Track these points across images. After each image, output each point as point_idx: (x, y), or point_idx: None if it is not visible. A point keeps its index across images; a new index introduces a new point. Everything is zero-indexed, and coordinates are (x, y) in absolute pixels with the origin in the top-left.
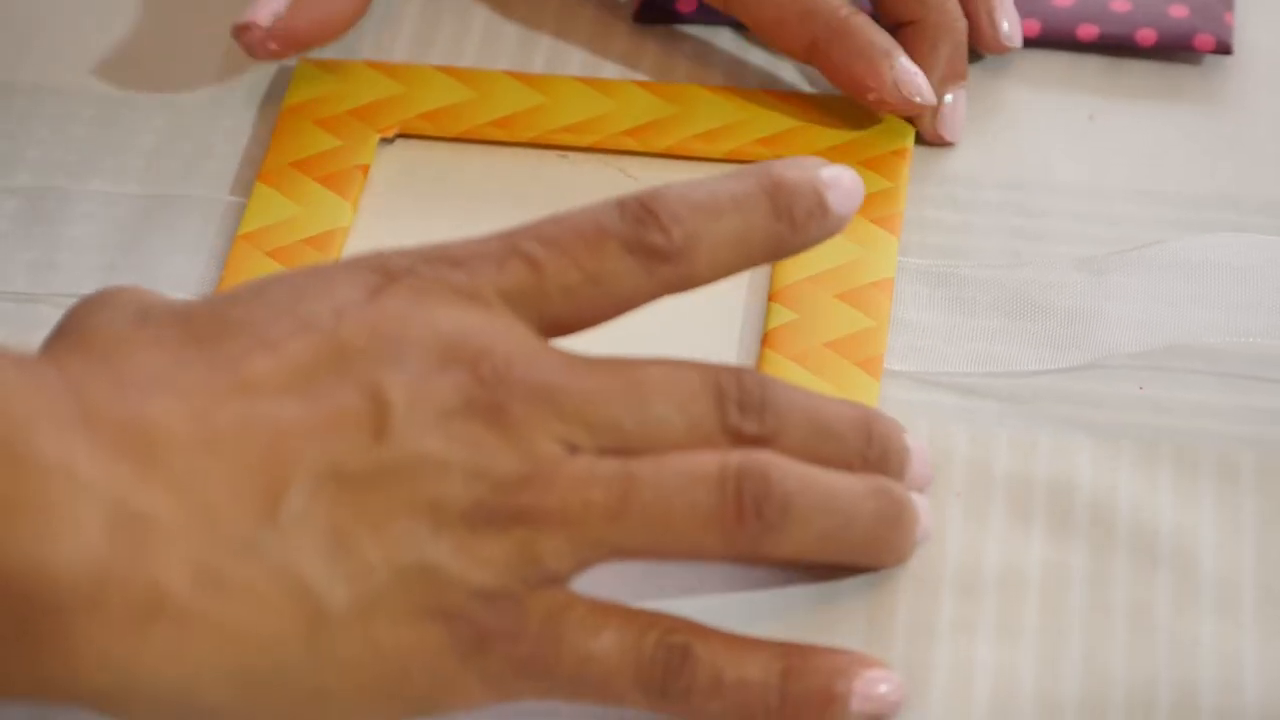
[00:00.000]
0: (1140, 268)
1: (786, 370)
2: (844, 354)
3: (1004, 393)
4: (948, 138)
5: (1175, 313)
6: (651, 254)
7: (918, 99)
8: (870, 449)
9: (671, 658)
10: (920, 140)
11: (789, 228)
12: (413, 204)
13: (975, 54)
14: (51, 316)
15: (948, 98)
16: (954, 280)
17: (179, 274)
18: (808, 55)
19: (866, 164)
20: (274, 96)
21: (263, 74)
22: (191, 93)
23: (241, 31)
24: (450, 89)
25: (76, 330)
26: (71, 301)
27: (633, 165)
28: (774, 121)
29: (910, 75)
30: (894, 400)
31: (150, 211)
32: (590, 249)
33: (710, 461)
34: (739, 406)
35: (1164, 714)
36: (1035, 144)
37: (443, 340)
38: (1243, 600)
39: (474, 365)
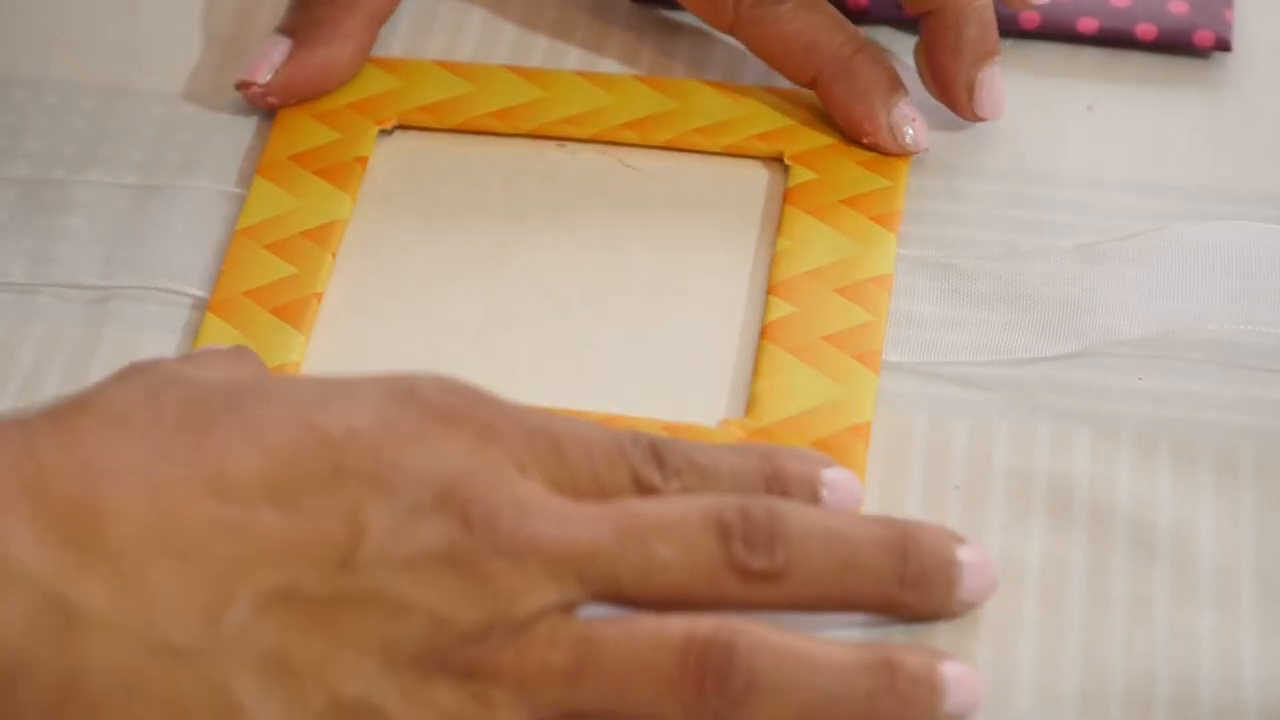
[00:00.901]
0: (1139, 258)
1: (784, 363)
2: (842, 347)
3: (1003, 384)
4: (986, 117)
5: (1175, 303)
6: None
7: (911, 146)
8: (907, 569)
9: None
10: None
11: None
12: (412, 196)
13: None
14: (50, 307)
15: (980, 76)
16: (953, 271)
17: (178, 266)
18: (811, 86)
19: (865, 163)
20: None
21: None
22: (190, 85)
23: (241, 88)
24: (448, 83)
25: (82, 401)
26: (70, 293)
27: (631, 156)
28: (773, 117)
29: (905, 123)
30: (893, 392)
31: (148, 203)
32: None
33: (678, 628)
34: (745, 542)
35: (1163, 706)
36: (1034, 135)
37: (444, 480)
38: (1242, 592)
39: (465, 511)
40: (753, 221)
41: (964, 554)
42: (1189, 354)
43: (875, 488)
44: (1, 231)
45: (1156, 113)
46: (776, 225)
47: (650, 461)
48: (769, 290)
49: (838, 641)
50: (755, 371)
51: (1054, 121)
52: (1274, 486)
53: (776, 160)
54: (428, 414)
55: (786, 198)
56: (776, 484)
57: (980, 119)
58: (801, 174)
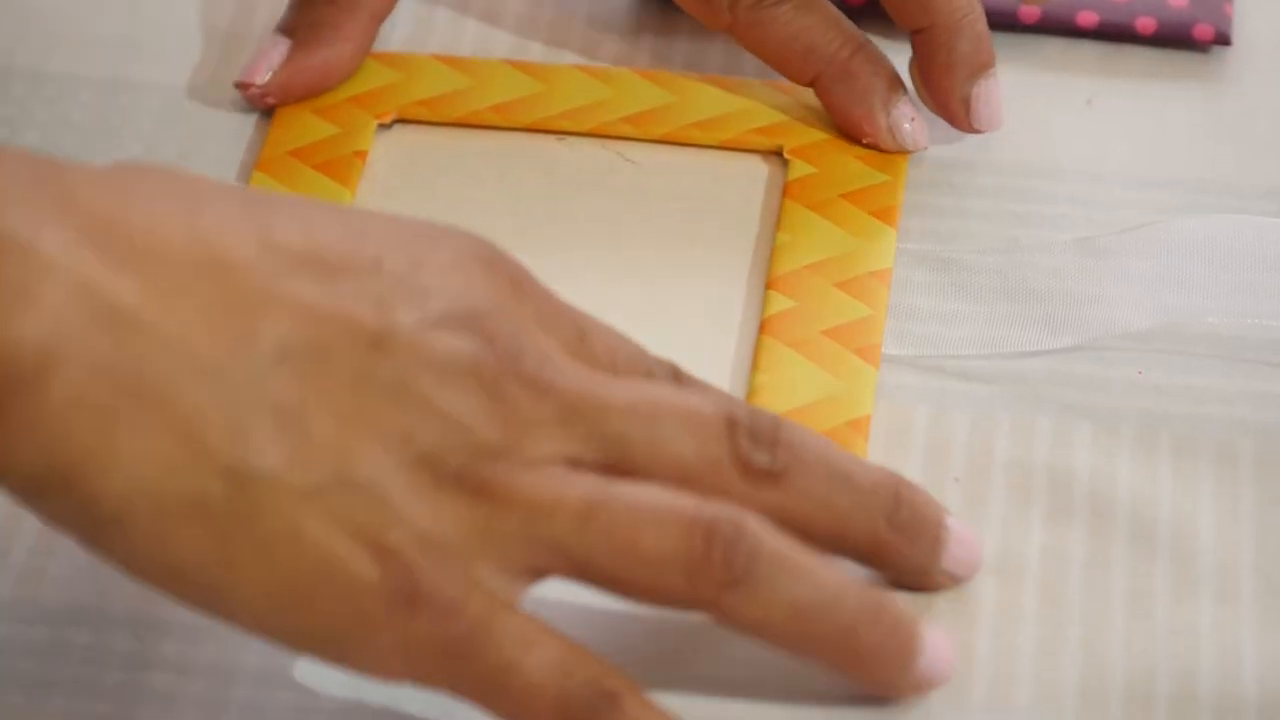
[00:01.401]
0: (1140, 251)
1: (784, 356)
2: (842, 341)
3: (1003, 377)
4: (983, 130)
5: (1175, 296)
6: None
7: (910, 146)
8: (898, 512)
9: (597, 703)
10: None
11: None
12: (411, 190)
13: None
14: None
15: (976, 90)
16: (952, 265)
17: None
18: (810, 87)
19: (865, 157)
20: None
21: None
22: (189, 79)
23: (240, 88)
24: (448, 77)
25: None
26: None
27: (631, 149)
28: (772, 111)
29: (905, 122)
30: (893, 386)
31: None
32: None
33: (690, 500)
34: (751, 436)
35: (1163, 701)
36: (1033, 129)
37: (474, 309)
38: (1241, 587)
39: (493, 340)
40: (752, 215)
41: (953, 523)
42: (1190, 348)
43: None
44: None
45: (1156, 107)
46: (776, 219)
47: (670, 377)
48: (768, 284)
49: (837, 565)
50: (755, 366)
51: (1054, 115)
52: (1274, 481)
53: (776, 154)
54: (470, 254)
55: (786, 192)
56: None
57: (978, 132)
58: (801, 168)
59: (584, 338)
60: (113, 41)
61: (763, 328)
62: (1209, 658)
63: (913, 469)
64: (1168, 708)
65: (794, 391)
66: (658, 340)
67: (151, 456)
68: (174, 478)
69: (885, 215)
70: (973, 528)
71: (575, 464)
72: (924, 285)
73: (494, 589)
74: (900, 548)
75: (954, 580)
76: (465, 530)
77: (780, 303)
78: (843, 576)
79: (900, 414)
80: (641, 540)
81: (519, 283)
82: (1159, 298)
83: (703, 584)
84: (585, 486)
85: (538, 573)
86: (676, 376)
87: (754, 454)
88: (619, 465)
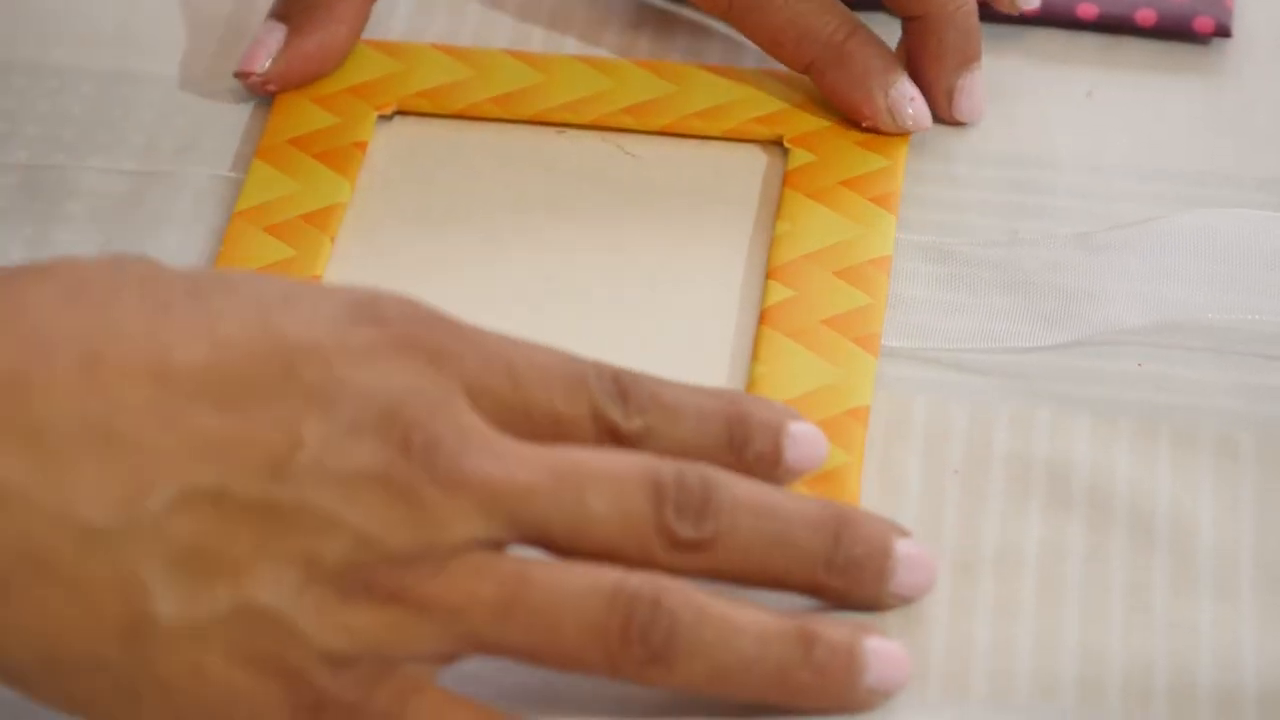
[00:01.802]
0: (1139, 245)
1: (784, 347)
2: (841, 331)
3: (1003, 370)
4: (965, 121)
5: (1175, 290)
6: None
7: (912, 125)
8: (837, 554)
9: None
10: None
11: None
12: (411, 182)
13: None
14: None
15: (960, 82)
16: (952, 257)
17: (176, 250)
18: (806, 72)
19: (864, 143)
20: None
21: None
22: (189, 69)
23: (240, 77)
24: (448, 67)
25: (45, 265)
26: None
27: (630, 143)
28: (772, 100)
29: (904, 102)
30: (892, 377)
31: (148, 188)
32: (568, 394)
33: (609, 577)
34: (677, 508)
35: (1161, 694)
36: (1034, 120)
37: (389, 403)
38: (1241, 579)
39: (406, 435)
40: (752, 205)
41: (902, 547)
42: (1189, 341)
43: (874, 473)
44: (1, 217)
45: (1156, 99)
46: (775, 208)
47: (613, 397)
48: (768, 274)
49: (765, 608)
50: (754, 356)
51: (1054, 107)
52: (1273, 474)
53: (776, 143)
54: (386, 333)
55: (786, 180)
56: (740, 428)
57: (960, 123)
58: (801, 156)
59: (516, 383)
60: (113, 33)
61: (762, 318)
62: (1208, 650)
63: (911, 461)
64: (1167, 701)
65: (793, 381)
66: (658, 332)
67: (45, 626)
68: (70, 643)
69: (885, 201)
70: (977, 529)
71: (496, 545)
72: (924, 277)
73: (402, 677)
74: (840, 588)
75: (904, 602)
76: (377, 637)
77: (780, 292)
78: (767, 625)
79: (899, 406)
80: (560, 624)
81: (440, 353)
82: (1158, 292)
83: (623, 662)
84: (502, 576)
85: (454, 657)
86: (621, 389)
87: (680, 527)
88: (544, 543)
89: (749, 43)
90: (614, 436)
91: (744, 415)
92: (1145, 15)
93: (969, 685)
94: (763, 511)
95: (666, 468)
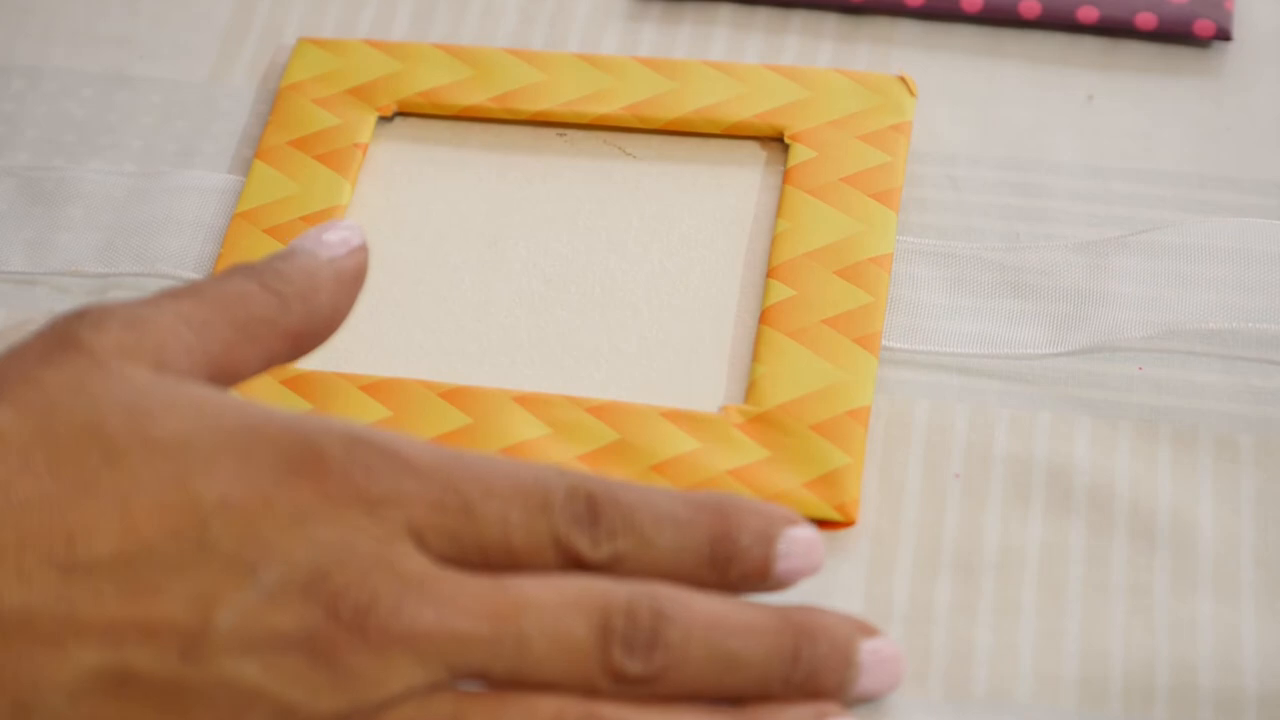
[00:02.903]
0: (1141, 250)
1: (784, 347)
2: (842, 330)
3: (1004, 372)
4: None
5: (1175, 294)
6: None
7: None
8: (795, 671)
9: None
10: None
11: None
12: (411, 183)
13: (974, 26)
14: (49, 298)
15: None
16: (953, 260)
17: (177, 253)
18: None
19: (865, 138)
20: (272, 75)
21: (261, 53)
22: (189, 71)
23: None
24: (449, 66)
25: None
26: (70, 281)
27: (631, 143)
28: (773, 97)
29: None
30: (893, 380)
31: (148, 190)
32: (533, 513)
33: (549, 706)
34: (625, 643)
35: (1163, 694)
36: (1034, 124)
37: (316, 566)
38: (1241, 580)
39: (334, 601)
40: (751, 203)
41: (866, 653)
42: (1189, 344)
43: (875, 475)
44: (1, 220)
45: (1156, 102)
46: (776, 206)
47: (581, 523)
48: (768, 273)
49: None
50: (755, 356)
51: (1054, 111)
52: (1273, 475)
53: (777, 140)
54: (320, 489)
55: (786, 177)
56: (723, 545)
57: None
58: (801, 153)
59: (470, 515)
60: (113, 37)
61: (763, 318)
62: (1209, 651)
63: (913, 464)
64: (1168, 700)
65: (794, 382)
66: (659, 333)
67: None
68: None
69: (886, 198)
70: (979, 531)
71: (435, 687)
72: (925, 280)
73: None
74: (800, 697)
75: (869, 700)
76: None
77: (780, 292)
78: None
79: (900, 408)
80: None
81: (382, 500)
82: (1159, 295)
83: None
84: None
85: None
86: (593, 513)
87: (627, 664)
88: (484, 681)
89: (751, 39)
90: (578, 564)
91: (730, 531)
92: (1145, 18)
93: (970, 686)
94: (716, 637)
95: (618, 598)
